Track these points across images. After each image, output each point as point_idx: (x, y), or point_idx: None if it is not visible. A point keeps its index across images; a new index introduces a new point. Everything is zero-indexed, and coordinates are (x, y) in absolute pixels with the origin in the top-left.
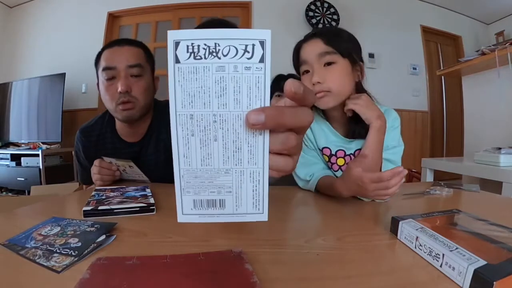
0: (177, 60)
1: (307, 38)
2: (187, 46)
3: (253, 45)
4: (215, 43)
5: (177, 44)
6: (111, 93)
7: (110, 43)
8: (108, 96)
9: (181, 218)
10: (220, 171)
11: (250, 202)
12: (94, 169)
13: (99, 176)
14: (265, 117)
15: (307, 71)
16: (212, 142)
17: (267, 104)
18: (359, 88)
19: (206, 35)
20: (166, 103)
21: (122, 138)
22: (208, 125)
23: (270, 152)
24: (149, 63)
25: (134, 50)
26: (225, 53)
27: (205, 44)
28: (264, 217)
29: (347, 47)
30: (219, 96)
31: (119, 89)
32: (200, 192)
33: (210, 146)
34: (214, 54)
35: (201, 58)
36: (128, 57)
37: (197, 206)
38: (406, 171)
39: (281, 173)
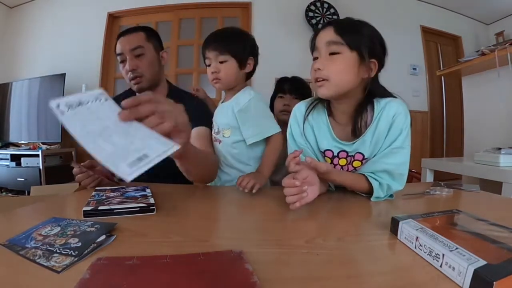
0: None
1: (323, 25)
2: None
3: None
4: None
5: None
6: (124, 72)
7: (119, 35)
8: (124, 74)
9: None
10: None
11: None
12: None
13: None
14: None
15: (317, 58)
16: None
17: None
18: (369, 85)
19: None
20: (181, 90)
21: None
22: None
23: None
24: (151, 42)
25: (135, 35)
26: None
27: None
28: (175, 148)
29: (357, 40)
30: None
31: (128, 69)
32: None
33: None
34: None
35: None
36: (130, 42)
37: (134, 167)
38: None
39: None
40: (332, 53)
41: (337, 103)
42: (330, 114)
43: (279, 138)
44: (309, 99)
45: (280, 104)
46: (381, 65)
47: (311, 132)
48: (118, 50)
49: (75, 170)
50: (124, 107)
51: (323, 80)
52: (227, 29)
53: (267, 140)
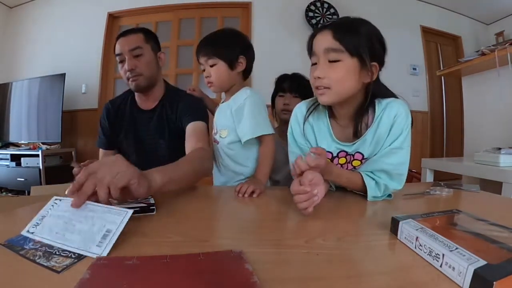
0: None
1: (321, 28)
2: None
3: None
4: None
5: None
6: (123, 72)
7: (118, 36)
8: (122, 73)
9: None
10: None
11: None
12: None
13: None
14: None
15: (315, 64)
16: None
17: None
18: (372, 88)
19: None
20: (178, 89)
21: (138, 105)
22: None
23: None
24: (149, 43)
25: (134, 36)
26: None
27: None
28: (130, 213)
29: (357, 44)
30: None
31: (126, 68)
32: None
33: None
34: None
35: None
36: (129, 43)
37: (103, 245)
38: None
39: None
40: (331, 60)
41: (338, 107)
42: (331, 115)
43: (271, 140)
44: (310, 99)
45: (280, 103)
46: (381, 65)
47: (312, 132)
48: (117, 51)
49: (75, 170)
50: (70, 196)
51: (324, 88)
52: (216, 33)
53: (260, 143)
